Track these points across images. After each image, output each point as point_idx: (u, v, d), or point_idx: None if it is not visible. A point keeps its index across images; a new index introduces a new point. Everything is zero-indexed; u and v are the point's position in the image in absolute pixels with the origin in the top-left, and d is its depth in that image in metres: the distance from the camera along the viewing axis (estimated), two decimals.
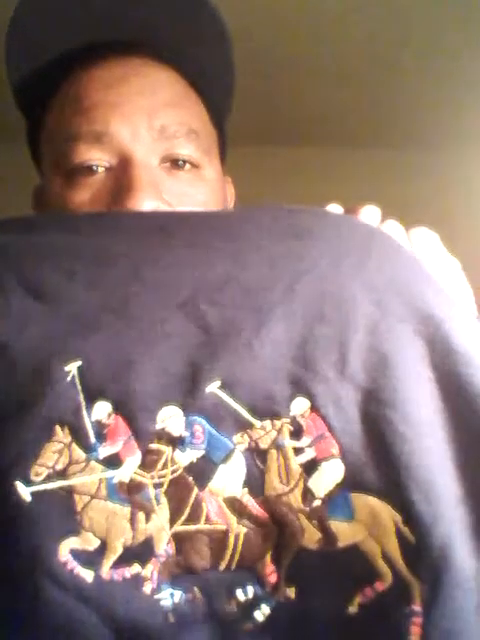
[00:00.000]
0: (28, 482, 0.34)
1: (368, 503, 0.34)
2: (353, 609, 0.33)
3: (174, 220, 0.44)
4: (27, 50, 0.54)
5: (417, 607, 0.33)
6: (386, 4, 1.05)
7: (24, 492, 0.33)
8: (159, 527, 0.34)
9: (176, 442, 0.35)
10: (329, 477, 0.35)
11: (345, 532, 0.34)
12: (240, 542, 0.34)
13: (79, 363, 0.36)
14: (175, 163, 0.51)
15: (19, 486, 0.33)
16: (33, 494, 0.33)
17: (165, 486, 0.35)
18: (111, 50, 0.53)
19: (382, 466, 0.35)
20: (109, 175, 0.50)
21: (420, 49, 1.15)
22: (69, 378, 0.36)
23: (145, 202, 0.47)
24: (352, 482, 0.35)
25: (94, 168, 0.50)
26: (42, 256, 0.41)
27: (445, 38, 1.11)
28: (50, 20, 0.52)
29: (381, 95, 1.27)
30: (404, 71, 1.22)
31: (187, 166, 0.52)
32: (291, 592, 0.34)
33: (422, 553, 0.34)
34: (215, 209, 0.54)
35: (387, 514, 0.34)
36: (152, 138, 0.50)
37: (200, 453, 0.35)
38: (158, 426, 0.35)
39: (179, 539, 0.34)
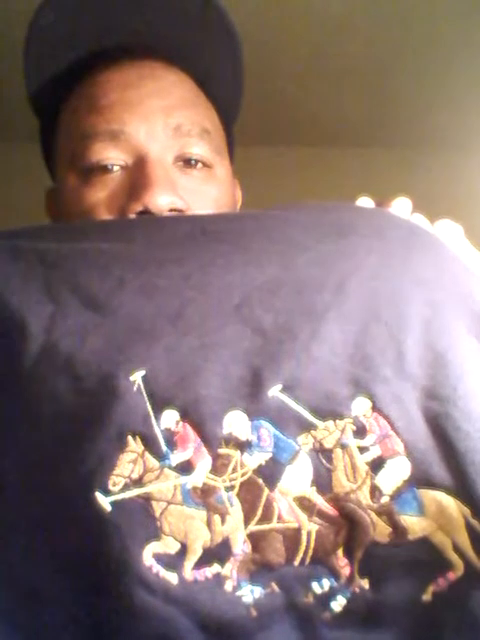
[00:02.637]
0: (107, 492, 0.34)
1: (436, 498, 0.35)
2: (427, 597, 0.35)
3: (216, 224, 0.44)
4: (44, 57, 0.55)
5: None
6: (386, 5, 1.06)
7: (104, 502, 0.34)
8: (234, 528, 0.35)
9: (244, 446, 0.36)
10: (396, 474, 0.36)
11: (415, 526, 0.35)
12: (312, 538, 0.35)
13: (143, 372, 0.36)
14: (188, 162, 0.52)
15: (99, 497, 0.34)
16: (113, 504, 0.34)
17: (236, 489, 0.35)
18: (124, 55, 0.54)
19: (447, 462, 0.36)
20: (125, 174, 0.50)
21: (420, 49, 1.16)
22: (135, 388, 0.36)
23: (161, 196, 0.48)
24: (419, 478, 0.36)
25: (110, 167, 0.50)
26: (90, 264, 0.40)
27: (445, 38, 1.12)
28: (66, 27, 0.53)
29: (381, 95, 1.28)
30: (404, 71, 1.22)
31: (199, 165, 0.52)
32: (365, 583, 0.35)
33: None
34: (227, 209, 0.55)
35: (455, 508, 0.35)
36: (167, 136, 0.51)
37: (268, 455, 0.36)
38: (225, 431, 0.36)
39: (254, 538, 0.35)
